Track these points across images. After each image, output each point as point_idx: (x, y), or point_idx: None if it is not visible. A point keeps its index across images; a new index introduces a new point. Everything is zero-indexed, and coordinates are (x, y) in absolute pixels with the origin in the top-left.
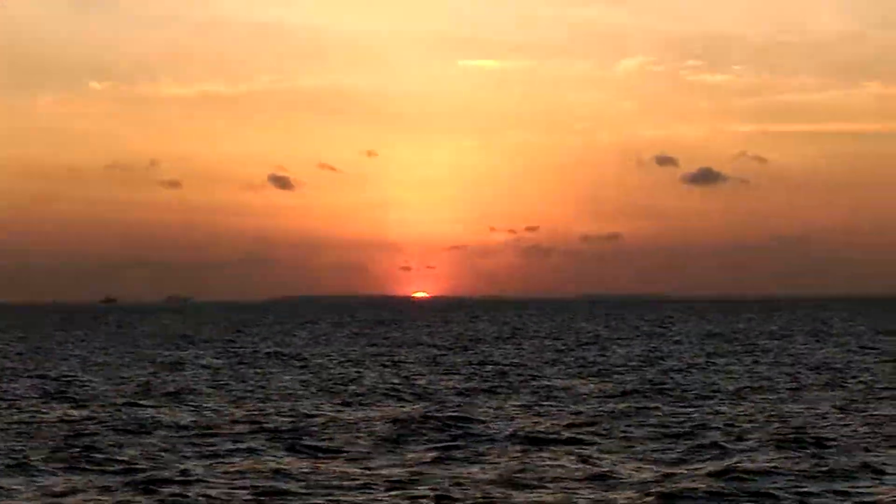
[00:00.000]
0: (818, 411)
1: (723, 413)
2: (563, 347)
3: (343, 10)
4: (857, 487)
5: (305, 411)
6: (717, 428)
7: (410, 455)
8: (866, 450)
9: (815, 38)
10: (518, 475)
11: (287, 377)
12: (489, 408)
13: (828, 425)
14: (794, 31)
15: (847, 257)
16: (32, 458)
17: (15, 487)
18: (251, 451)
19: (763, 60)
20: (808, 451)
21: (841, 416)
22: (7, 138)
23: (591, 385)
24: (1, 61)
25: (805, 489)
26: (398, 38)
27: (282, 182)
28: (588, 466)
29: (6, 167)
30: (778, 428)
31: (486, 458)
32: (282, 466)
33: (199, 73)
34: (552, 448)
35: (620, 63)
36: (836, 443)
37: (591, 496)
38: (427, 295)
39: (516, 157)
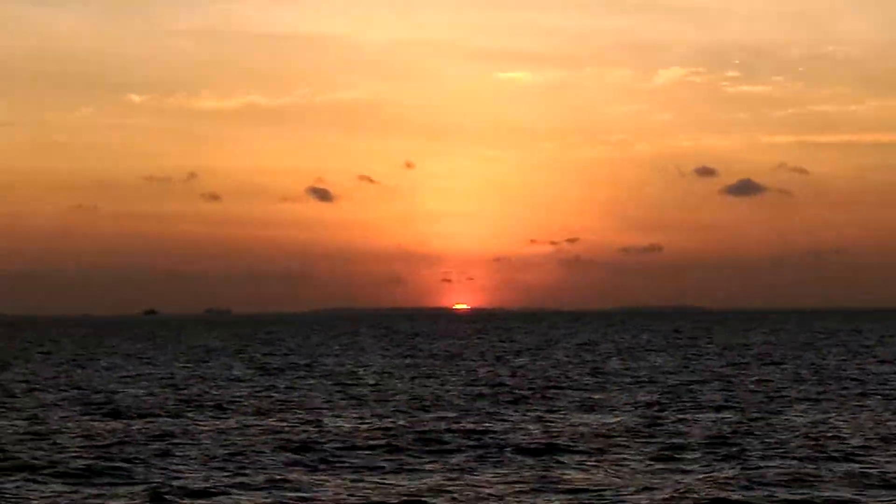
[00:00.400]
0: (837, 421)
1: (744, 423)
2: (596, 358)
3: (382, 22)
4: (870, 496)
5: (331, 422)
6: (739, 436)
7: (432, 466)
8: (880, 459)
9: (853, 49)
10: (539, 484)
11: (316, 389)
12: (515, 418)
13: (845, 435)
14: (832, 43)
15: (888, 269)
16: (56, 467)
17: (40, 496)
18: (276, 463)
19: (801, 72)
20: (825, 460)
21: (860, 426)
22: (47, 150)
23: (620, 395)
24: (43, 74)
25: (818, 497)
26: (436, 49)
27: (322, 194)
28: (607, 475)
29: (45, 179)
30: (796, 438)
31: (508, 467)
32: (305, 478)
33: (239, 85)
34: (574, 457)
35: (659, 74)
36: (851, 452)
37: None
38: (467, 306)
39: (555, 169)
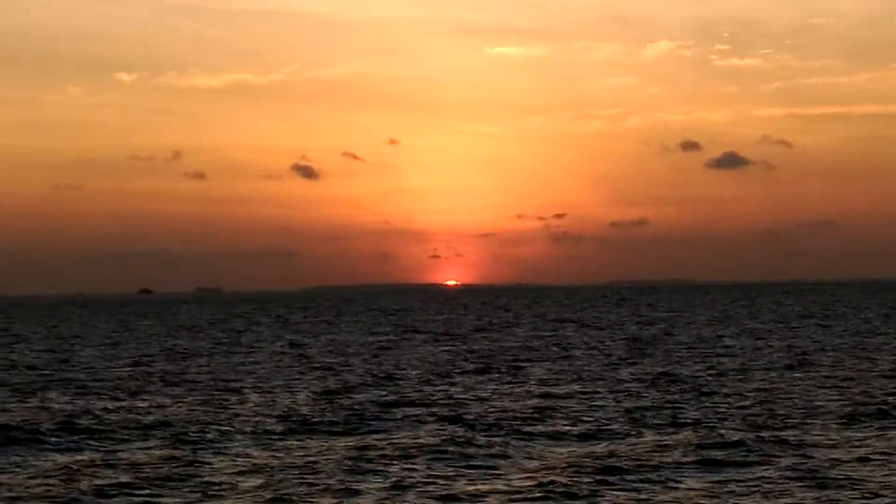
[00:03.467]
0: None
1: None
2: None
3: None
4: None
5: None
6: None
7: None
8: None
9: (841, 21)
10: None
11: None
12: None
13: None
14: (821, 15)
15: (873, 241)
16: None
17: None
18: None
19: (790, 44)
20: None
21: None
22: (33, 129)
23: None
24: (32, 53)
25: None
26: (425, 25)
27: (306, 171)
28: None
29: (32, 157)
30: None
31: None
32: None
33: (228, 63)
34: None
35: (648, 47)
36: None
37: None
38: (457, 283)
39: (543, 144)
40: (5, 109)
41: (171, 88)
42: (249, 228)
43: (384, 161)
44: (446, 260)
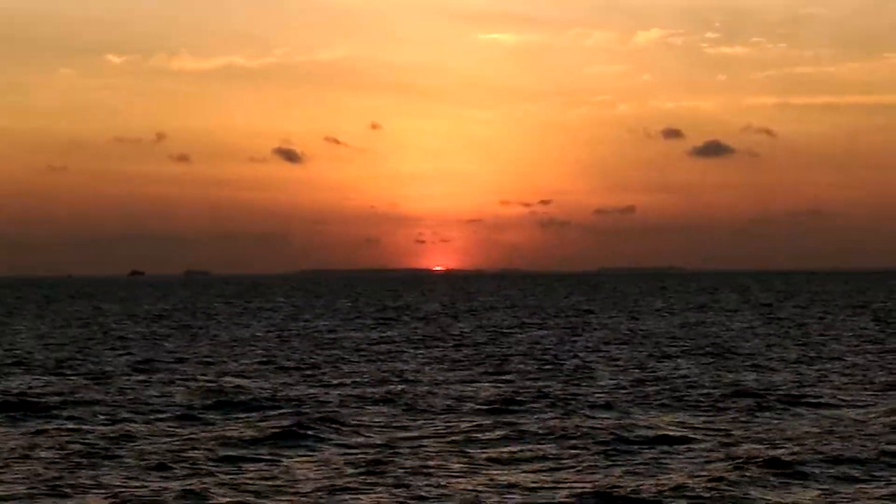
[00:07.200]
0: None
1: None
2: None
3: None
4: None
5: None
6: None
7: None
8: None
9: (834, 10)
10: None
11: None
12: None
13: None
14: (813, 4)
15: (858, 230)
16: None
17: None
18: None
19: (782, 33)
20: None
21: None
22: (27, 112)
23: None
24: (24, 36)
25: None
26: (419, 10)
27: (288, 155)
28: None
29: (25, 140)
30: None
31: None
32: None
33: (218, 47)
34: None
35: (639, 35)
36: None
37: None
38: (443, 268)
39: (533, 130)
40: None
41: (160, 71)
42: (234, 212)
43: (366, 146)
44: (432, 245)
